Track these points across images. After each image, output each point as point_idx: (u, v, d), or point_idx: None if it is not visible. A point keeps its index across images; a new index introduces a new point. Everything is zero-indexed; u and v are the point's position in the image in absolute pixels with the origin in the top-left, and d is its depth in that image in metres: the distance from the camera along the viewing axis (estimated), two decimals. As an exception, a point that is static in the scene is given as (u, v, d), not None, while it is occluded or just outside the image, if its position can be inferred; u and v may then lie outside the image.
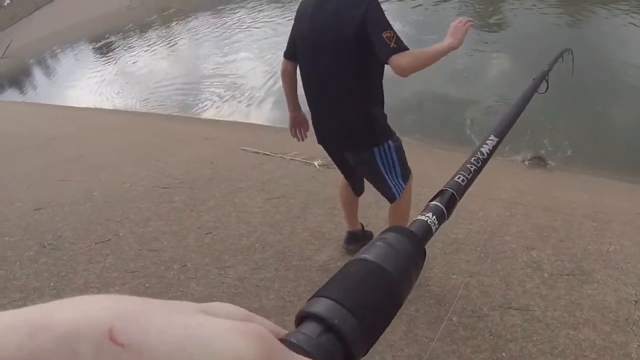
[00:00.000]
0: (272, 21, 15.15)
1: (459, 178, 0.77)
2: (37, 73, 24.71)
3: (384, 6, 2.33)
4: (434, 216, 0.61)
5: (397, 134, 2.65)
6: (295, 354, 0.32)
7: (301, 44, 2.57)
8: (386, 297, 0.44)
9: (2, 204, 4.79)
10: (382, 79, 2.51)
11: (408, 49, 2.22)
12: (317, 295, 0.40)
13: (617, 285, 2.74)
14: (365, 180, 2.93)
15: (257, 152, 5.64)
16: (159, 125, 9.08)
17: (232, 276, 3.07)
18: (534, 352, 2.26)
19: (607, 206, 4.00)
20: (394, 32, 2.22)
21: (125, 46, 20.70)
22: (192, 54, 15.44)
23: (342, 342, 0.37)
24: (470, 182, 0.79)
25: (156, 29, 22.30)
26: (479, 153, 0.88)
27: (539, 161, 5.44)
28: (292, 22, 2.69)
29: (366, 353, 0.40)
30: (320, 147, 2.89)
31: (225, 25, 17.33)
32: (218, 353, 0.27)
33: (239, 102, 9.81)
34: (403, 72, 2.21)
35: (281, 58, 2.81)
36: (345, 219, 3.23)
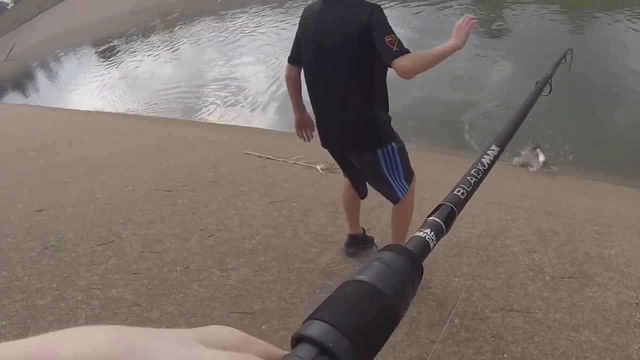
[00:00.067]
0: (275, 26, 15.21)
1: (458, 191, 0.77)
2: (40, 76, 24.80)
3: (386, 12, 2.36)
4: (432, 232, 0.60)
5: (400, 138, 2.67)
6: None
7: (306, 48, 2.62)
8: (381, 318, 0.44)
9: (5, 206, 4.81)
10: (385, 82, 2.55)
11: (410, 52, 2.26)
12: (312, 317, 0.41)
13: (619, 288, 2.75)
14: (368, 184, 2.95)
15: (259, 156, 5.66)
16: (161, 128, 9.11)
17: (234, 278, 3.08)
18: (536, 354, 2.26)
19: (609, 210, 4.01)
20: (396, 37, 2.26)
21: (127, 50, 20.78)
22: (194, 58, 15.50)
23: None
24: (470, 194, 0.78)
25: (159, 34, 22.37)
26: (479, 164, 0.87)
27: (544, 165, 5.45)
28: (296, 27, 2.73)
29: None
30: (322, 151, 2.92)
31: (228, 30, 17.40)
32: None
33: (242, 106, 9.84)
34: (406, 74, 2.24)
35: (284, 63, 2.86)
36: (347, 222, 3.24)
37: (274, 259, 3.28)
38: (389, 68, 2.37)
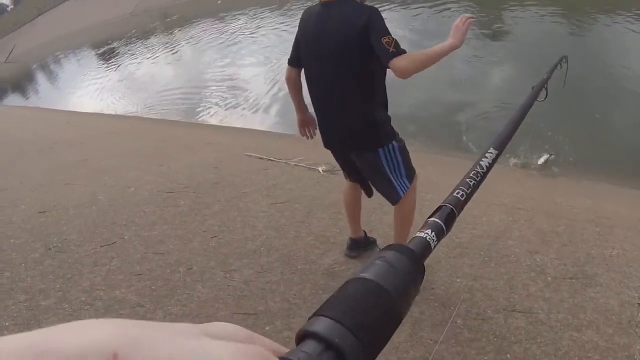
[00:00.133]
0: (276, 28, 15.24)
1: (458, 193, 0.78)
2: (40, 78, 24.81)
3: (385, 14, 2.39)
4: (433, 233, 0.62)
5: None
6: None
7: (306, 50, 2.65)
8: (385, 315, 0.45)
9: (7, 207, 4.82)
10: (384, 82, 2.59)
11: (406, 52, 2.31)
12: (317, 314, 0.42)
13: (620, 289, 2.76)
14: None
15: (261, 158, 5.67)
16: (162, 130, 9.12)
17: (237, 279, 3.09)
18: (538, 354, 2.28)
19: (610, 212, 4.02)
20: (393, 38, 2.31)
21: (127, 52, 20.80)
22: (194, 60, 15.52)
23: None
24: (469, 196, 0.79)
25: (159, 36, 22.40)
26: (478, 167, 0.89)
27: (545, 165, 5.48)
28: (296, 29, 2.77)
29: None
30: (324, 153, 2.96)
31: (228, 32, 17.43)
32: None
33: (243, 108, 9.86)
34: (403, 74, 2.29)
35: (284, 65, 2.89)
36: (349, 224, 3.26)
37: (276, 260, 3.29)
38: (387, 69, 2.41)
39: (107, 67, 19.47)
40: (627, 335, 2.37)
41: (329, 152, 2.92)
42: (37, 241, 3.92)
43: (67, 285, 3.20)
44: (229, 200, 4.39)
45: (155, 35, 22.75)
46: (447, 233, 0.67)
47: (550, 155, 5.50)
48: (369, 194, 3.05)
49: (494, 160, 0.94)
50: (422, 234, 0.61)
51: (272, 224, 3.85)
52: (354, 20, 2.38)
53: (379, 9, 2.45)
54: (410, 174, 2.73)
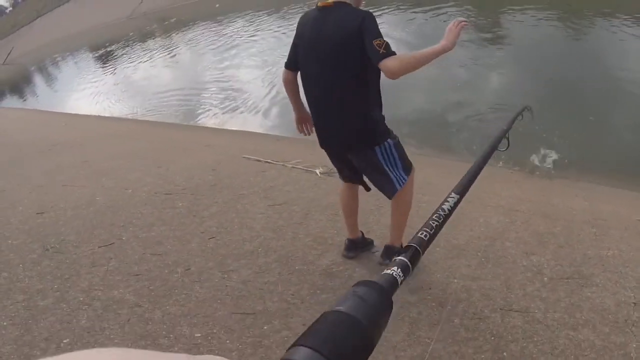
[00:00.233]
0: (277, 31, 15.28)
1: (422, 234, 0.86)
2: (38, 80, 24.82)
3: (384, 18, 2.42)
4: (400, 270, 0.70)
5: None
6: None
7: (303, 54, 2.72)
8: (359, 344, 0.50)
9: (5, 208, 4.83)
10: (379, 83, 2.66)
11: (396, 54, 2.38)
12: (297, 344, 0.46)
13: (616, 289, 2.78)
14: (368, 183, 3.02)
15: (258, 160, 5.68)
16: (160, 132, 9.13)
17: (235, 280, 3.10)
18: (535, 352, 2.29)
19: (607, 213, 4.04)
20: (384, 40, 2.38)
21: (125, 55, 20.81)
22: (192, 63, 15.56)
23: None
24: (433, 236, 0.88)
25: (157, 39, 22.43)
26: (440, 210, 0.98)
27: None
28: (293, 33, 2.85)
29: None
30: (321, 155, 3.01)
31: (226, 35, 17.47)
32: None
33: (240, 111, 9.88)
34: (393, 74, 2.36)
35: (282, 68, 2.94)
36: (346, 225, 3.28)
37: (274, 260, 3.30)
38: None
39: (105, 70, 19.49)
40: (623, 334, 2.39)
41: (326, 154, 2.96)
42: (35, 242, 3.92)
43: (65, 286, 3.20)
44: (226, 202, 4.40)
45: (154, 38, 22.81)
46: (412, 270, 0.75)
47: (548, 157, 5.52)
48: (367, 188, 3.08)
49: (456, 204, 1.03)
50: (389, 272, 0.69)
51: (269, 225, 3.86)
52: (349, 24, 2.45)
53: (377, 13, 2.50)
54: (408, 167, 2.80)
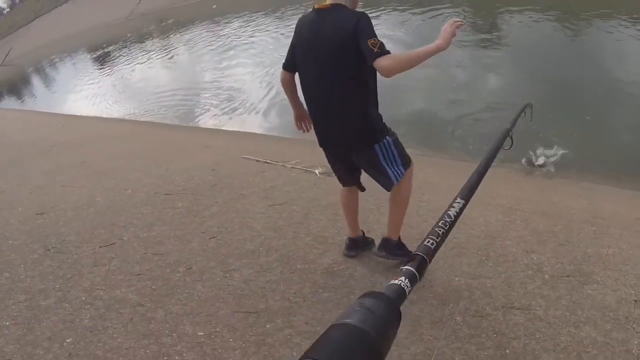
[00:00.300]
0: (276, 31, 15.30)
1: (428, 242, 0.86)
2: (36, 81, 24.78)
3: (382, 18, 2.44)
4: (407, 280, 0.70)
5: None
6: None
7: (301, 55, 2.76)
8: (367, 357, 0.50)
9: (4, 209, 4.83)
10: (376, 83, 2.70)
11: (390, 53, 2.41)
12: (305, 357, 0.46)
13: (617, 286, 2.79)
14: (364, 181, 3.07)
15: (258, 160, 5.68)
16: (159, 133, 9.13)
17: (237, 279, 3.11)
18: (537, 349, 2.30)
19: (607, 212, 4.05)
20: (378, 40, 2.42)
21: (124, 56, 20.80)
22: (191, 64, 15.56)
23: None
24: (439, 244, 0.87)
25: (155, 40, 22.42)
26: (446, 216, 0.96)
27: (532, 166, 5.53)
28: (291, 34, 2.89)
29: None
30: (320, 155, 3.03)
31: (224, 36, 17.49)
32: None
33: (239, 111, 9.88)
34: (387, 72, 2.40)
35: (280, 69, 2.98)
36: (347, 224, 3.29)
37: (276, 260, 3.31)
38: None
39: (103, 71, 19.48)
40: (624, 331, 2.40)
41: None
42: (36, 242, 3.93)
43: (67, 285, 3.21)
44: (227, 202, 4.40)
45: (152, 39, 22.79)
46: (420, 279, 0.74)
47: (547, 156, 5.53)
48: (362, 188, 3.11)
49: (462, 210, 1.01)
50: (397, 282, 0.69)
51: (270, 225, 3.87)
52: (345, 25, 2.49)
53: (375, 14, 2.54)
54: (406, 162, 2.84)
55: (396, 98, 7.09)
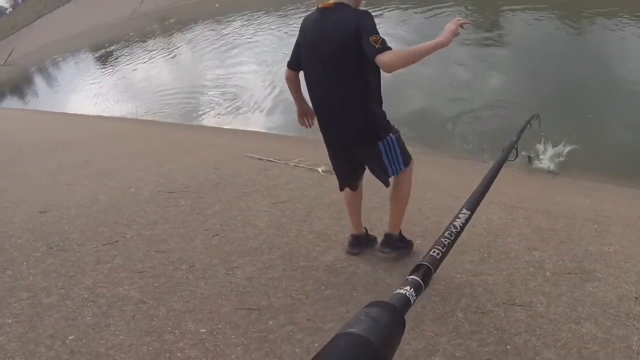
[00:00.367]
0: (279, 30, 15.30)
1: (434, 252, 0.87)
2: (38, 81, 24.84)
3: (385, 16, 2.46)
4: (412, 289, 0.71)
5: None
6: None
7: (306, 55, 2.79)
8: None
9: (8, 207, 4.85)
10: (379, 81, 2.74)
11: (391, 49, 2.43)
12: None
13: (618, 283, 2.79)
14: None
15: (261, 159, 5.70)
16: (162, 132, 9.15)
17: (240, 276, 3.12)
18: (538, 345, 2.31)
19: (608, 210, 4.05)
20: (380, 36, 2.44)
21: (126, 55, 20.82)
22: (193, 63, 15.57)
23: None
24: (445, 254, 0.88)
25: (157, 39, 22.45)
26: (452, 227, 0.97)
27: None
28: (294, 32, 2.91)
29: None
30: (323, 154, 3.06)
31: (227, 35, 17.49)
32: None
33: (242, 110, 9.89)
34: (388, 67, 2.42)
35: (283, 67, 3.03)
36: (350, 221, 3.31)
37: (278, 257, 3.32)
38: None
39: (105, 70, 19.51)
40: (625, 328, 2.40)
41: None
42: (39, 240, 3.95)
43: (70, 283, 3.22)
44: (230, 200, 4.41)
45: (154, 39, 22.81)
46: (425, 289, 0.75)
47: (549, 155, 5.53)
48: (355, 188, 3.14)
49: (467, 220, 1.02)
50: (402, 291, 0.70)
51: (273, 222, 3.88)
52: (348, 24, 2.52)
53: (378, 13, 2.56)
54: (407, 159, 2.88)
55: (397, 96, 7.08)
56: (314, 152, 5.34)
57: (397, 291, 0.69)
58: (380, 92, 2.77)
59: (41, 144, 8.22)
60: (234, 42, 16.10)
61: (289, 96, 3.13)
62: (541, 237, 3.43)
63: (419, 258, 0.83)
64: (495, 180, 1.38)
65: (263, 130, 8.70)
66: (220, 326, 2.64)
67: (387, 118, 2.81)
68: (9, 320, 2.85)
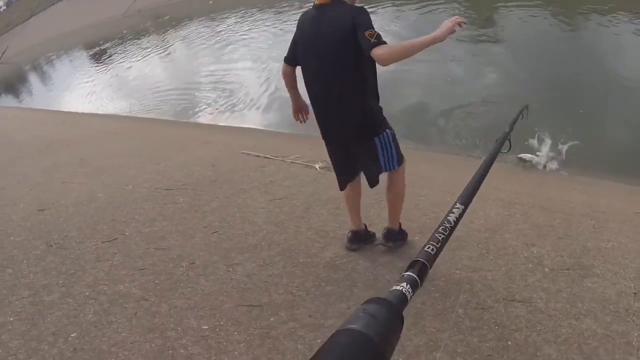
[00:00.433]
0: (275, 27, 15.24)
1: (428, 248, 0.88)
2: (33, 79, 24.70)
3: (379, 13, 2.48)
4: (409, 285, 0.72)
5: None
6: None
7: (303, 51, 2.81)
8: None
9: (6, 205, 4.85)
10: (376, 77, 2.76)
11: (386, 43, 2.46)
12: None
13: (617, 279, 2.81)
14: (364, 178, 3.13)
15: (257, 156, 5.69)
16: (158, 130, 9.13)
17: (240, 273, 3.13)
18: (539, 341, 2.33)
19: (605, 206, 4.07)
20: (375, 31, 2.47)
21: (121, 53, 20.74)
22: (188, 61, 15.52)
23: None
24: (439, 250, 0.89)
25: (151, 36, 22.36)
26: (446, 222, 0.99)
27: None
28: (289, 28, 2.90)
29: None
30: (320, 150, 3.10)
31: (221, 32, 17.45)
32: None
33: (238, 107, 9.88)
34: (383, 61, 2.44)
35: (279, 64, 3.10)
36: (349, 218, 3.32)
37: (278, 254, 3.33)
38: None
39: (99, 68, 19.43)
40: (624, 323, 2.43)
41: (325, 149, 3.04)
42: (38, 238, 3.95)
43: (70, 281, 3.23)
44: (227, 197, 4.42)
45: (148, 36, 22.73)
46: (421, 285, 0.76)
47: (544, 151, 5.56)
48: (343, 187, 3.15)
49: (461, 215, 1.03)
50: (399, 287, 0.71)
51: (271, 219, 3.88)
52: (344, 20, 2.54)
53: (372, 9, 2.57)
54: (400, 158, 2.92)
55: (389, 92, 7.08)
56: (310, 148, 5.35)
57: (394, 287, 0.70)
58: (377, 88, 2.80)
59: (37, 142, 8.19)
60: (229, 39, 16.07)
61: (284, 93, 3.14)
62: (539, 233, 3.45)
63: (416, 252, 0.84)
64: (489, 173, 1.39)
65: (259, 127, 8.71)
66: (222, 323, 2.65)
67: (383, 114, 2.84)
68: (11, 318, 2.86)
